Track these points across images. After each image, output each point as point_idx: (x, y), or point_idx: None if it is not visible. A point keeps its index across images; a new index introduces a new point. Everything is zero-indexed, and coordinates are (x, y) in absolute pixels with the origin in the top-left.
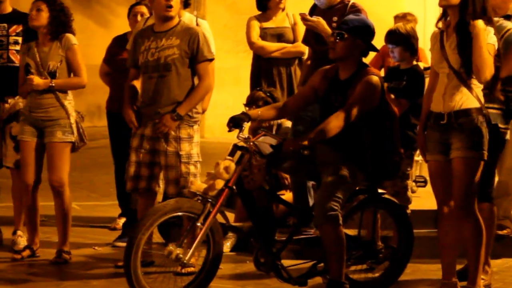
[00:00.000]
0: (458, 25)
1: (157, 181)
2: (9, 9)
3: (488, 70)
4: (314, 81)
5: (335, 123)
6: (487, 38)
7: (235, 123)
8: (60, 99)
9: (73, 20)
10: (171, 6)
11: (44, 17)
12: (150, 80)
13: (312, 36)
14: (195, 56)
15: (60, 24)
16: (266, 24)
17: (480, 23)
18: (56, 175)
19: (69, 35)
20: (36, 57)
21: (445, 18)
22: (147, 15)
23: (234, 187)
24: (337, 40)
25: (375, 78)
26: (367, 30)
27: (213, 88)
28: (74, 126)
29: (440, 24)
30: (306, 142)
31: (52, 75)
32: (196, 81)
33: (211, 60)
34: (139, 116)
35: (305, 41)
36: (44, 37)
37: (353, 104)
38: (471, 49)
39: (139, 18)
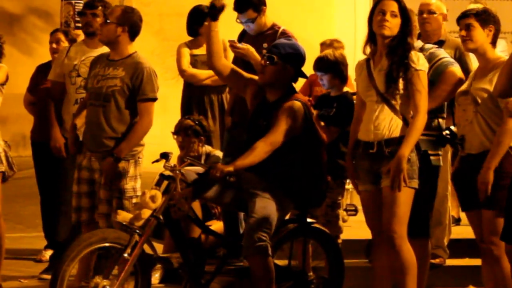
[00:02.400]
0: (390, 51)
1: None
2: None
3: (425, 113)
4: (248, 86)
5: (261, 148)
6: (418, 65)
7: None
8: None
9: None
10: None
11: None
12: (90, 107)
13: (241, 63)
14: (136, 92)
15: None
16: (197, 51)
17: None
18: None
19: None
20: None
21: (374, 45)
22: (64, 42)
23: (161, 217)
24: (267, 64)
25: (297, 104)
26: (298, 56)
27: (151, 126)
28: (2, 155)
29: (367, 51)
30: (231, 168)
31: None
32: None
33: (153, 99)
34: (80, 144)
35: None
36: None
37: (276, 130)
38: (398, 72)
39: (54, 45)
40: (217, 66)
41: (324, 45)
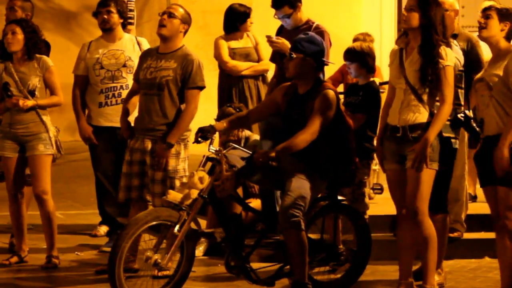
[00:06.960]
0: (421, 47)
1: (148, 190)
2: None
3: (450, 104)
4: (276, 96)
5: (302, 137)
6: (447, 60)
7: (203, 135)
8: (40, 115)
9: (43, 39)
10: (163, 25)
11: (19, 39)
12: (145, 96)
13: (278, 55)
14: (187, 81)
15: (35, 45)
16: (234, 44)
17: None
18: (41, 185)
19: (46, 58)
20: (14, 76)
21: (405, 36)
22: None
23: (207, 196)
24: (287, 61)
25: (331, 93)
26: (315, 47)
27: (196, 111)
28: (53, 139)
29: (400, 42)
30: (273, 154)
31: (32, 93)
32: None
33: (201, 88)
34: (132, 130)
35: (272, 59)
36: (20, 57)
37: (315, 120)
38: (432, 69)
39: None
40: (255, 121)
41: (357, 39)
